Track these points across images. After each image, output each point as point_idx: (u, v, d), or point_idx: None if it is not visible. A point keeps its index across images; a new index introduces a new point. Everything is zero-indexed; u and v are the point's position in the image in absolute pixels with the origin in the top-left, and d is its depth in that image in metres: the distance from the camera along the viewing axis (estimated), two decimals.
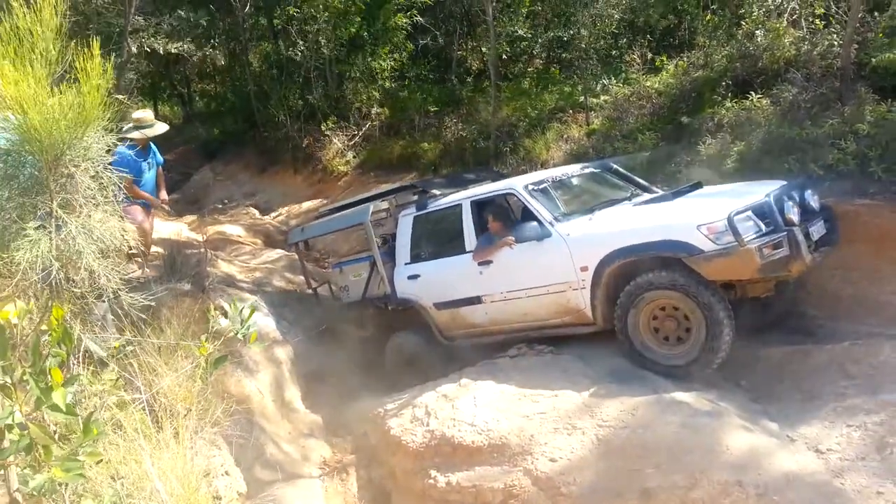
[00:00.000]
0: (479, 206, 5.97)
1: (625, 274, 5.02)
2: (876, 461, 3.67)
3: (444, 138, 11.58)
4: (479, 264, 5.79)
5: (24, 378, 2.33)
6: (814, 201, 5.22)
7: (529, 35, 12.75)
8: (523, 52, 13.17)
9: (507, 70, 13.08)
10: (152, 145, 6.62)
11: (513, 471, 4.44)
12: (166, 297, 5.76)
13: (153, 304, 3.27)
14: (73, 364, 3.17)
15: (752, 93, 7.55)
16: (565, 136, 9.82)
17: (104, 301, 2.94)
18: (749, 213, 4.65)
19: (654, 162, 7.71)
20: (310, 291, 7.60)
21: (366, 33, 13.83)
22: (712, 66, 8.56)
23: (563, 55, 12.56)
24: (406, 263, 6.41)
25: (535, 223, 5.45)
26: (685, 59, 9.29)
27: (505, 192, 5.96)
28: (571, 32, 11.11)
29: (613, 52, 11.29)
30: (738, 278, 4.73)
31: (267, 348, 6.18)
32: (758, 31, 8.32)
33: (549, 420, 4.61)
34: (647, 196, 5.89)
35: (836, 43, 7.35)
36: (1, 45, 2.37)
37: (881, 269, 5.54)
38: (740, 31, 8.58)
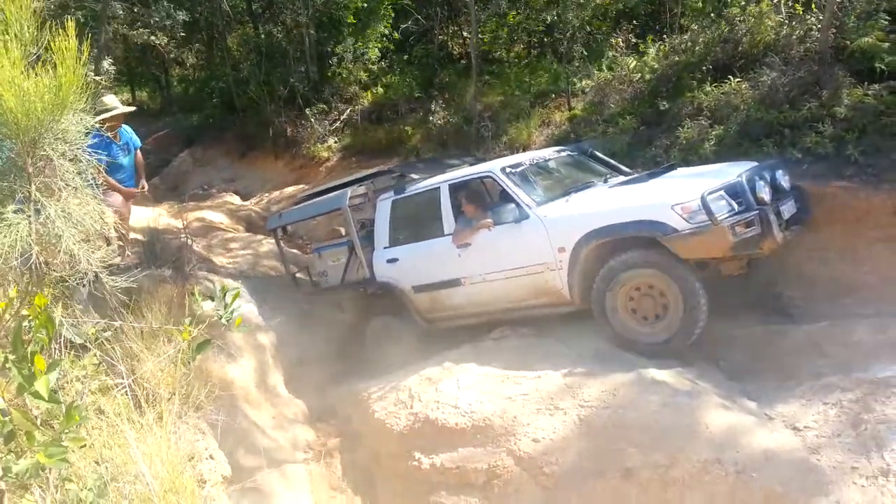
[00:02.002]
0: (457, 190, 5.99)
1: (601, 254, 5.09)
2: (851, 437, 3.75)
3: (427, 123, 11.54)
4: (458, 247, 5.82)
5: (7, 365, 2.32)
6: (785, 181, 5.34)
7: (512, 19, 12.72)
8: (506, 37, 13.12)
9: (489, 54, 13.04)
10: (127, 129, 6.47)
11: (496, 451, 4.49)
12: (147, 282, 5.72)
13: (134, 285, 3.24)
14: (55, 349, 3.14)
15: (731, 77, 7.60)
16: (547, 120, 9.83)
17: (85, 286, 2.91)
18: (722, 192, 4.76)
19: (634, 146, 7.75)
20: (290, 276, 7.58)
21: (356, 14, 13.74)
22: (694, 49, 8.59)
23: (546, 39, 12.54)
24: (385, 247, 6.42)
25: (512, 205, 5.52)
26: (667, 43, 9.31)
27: (483, 175, 5.99)
28: (555, 15, 11.06)
29: (598, 35, 11.29)
30: (711, 256, 4.83)
31: (249, 333, 6.16)
32: (739, 16, 8.36)
33: (532, 401, 4.66)
34: (622, 178, 5.97)
35: (814, 27, 7.41)
36: None
37: (857, 250, 5.64)
38: (724, 16, 8.61)
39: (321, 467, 5.32)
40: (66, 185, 2.62)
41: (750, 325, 5.30)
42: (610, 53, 10.59)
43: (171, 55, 14.95)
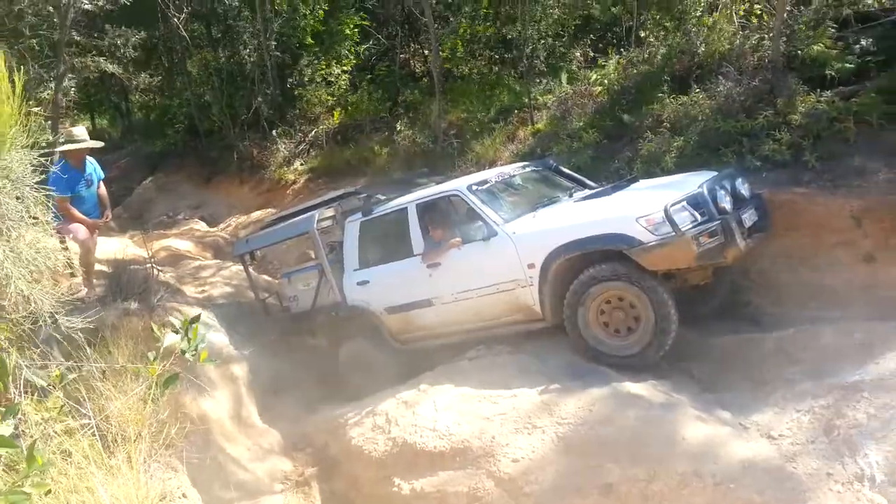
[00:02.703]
0: (425, 209, 5.99)
1: (570, 269, 5.12)
2: (824, 443, 3.80)
3: (394, 142, 11.54)
4: (428, 267, 5.80)
5: None
6: (745, 190, 5.44)
7: (463, 31, 12.80)
8: (466, 54, 13.22)
9: (452, 71, 13.11)
10: (92, 161, 6.38)
11: (476, 473, 4.45)
12: (113, 317, 5.59)
13: (92, 325, 3.15)
14: (14, 393, 3.04)
15: (690, 88, 7.73)
16: (512, 136, 9.89)
17: (41, 326, 2.82)
18: (684, 203, 4.85)
19: (598, 159, 7.82)
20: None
21: (318, 36, 13.78)
22: (653, 61, 8.73)
23: (507, 55, 12.65)
24: (354, 269, 6.37)
25: (480, 223, 5.55)
26: (625, 56, 9.46)
27: (449, 193, 5.99)
28: (517, 31, 11.19)
29: (556, 50, 11.42)
30: (677, 267, 4.88)
31: (221, 364, 6.04)
32: (695, 28, 8.53)
33: (510, 420, 4.64)
34: (587, 192, 6.03)
35: (766, 36, 7.58)
36: None
37: (819, 254, 5.74)
38: (681, 28, 8.77)
39: (299, 498, 5.22)
40: (16, 223, 2.53)
41: (721, 335, 5.35)
42: (570, 68, 10.73)
43: (132, 81, 14.70)
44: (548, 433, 4.42)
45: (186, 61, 16.02)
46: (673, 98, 7.81)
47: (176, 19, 14.00)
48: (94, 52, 13.01)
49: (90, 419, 3.32)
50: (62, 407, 3.34)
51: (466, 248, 5.59)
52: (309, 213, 6.72)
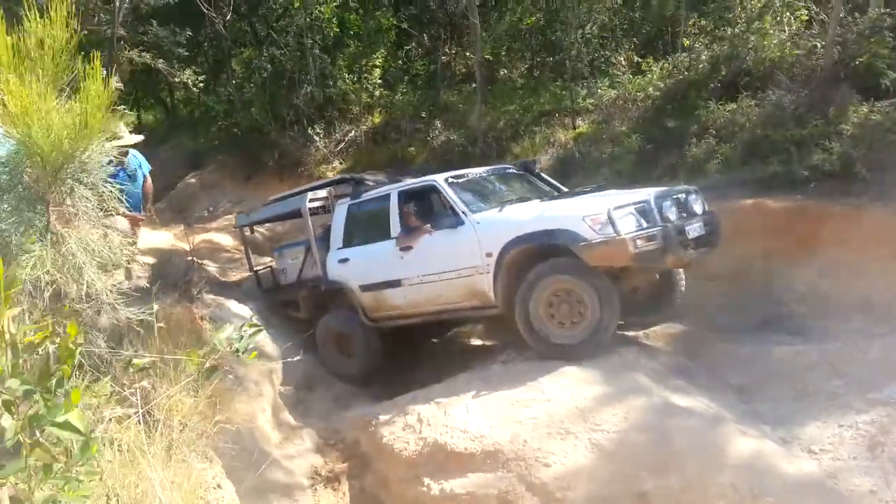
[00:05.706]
0: (405, 197, 6.42)
1: (523, 261, 5.43)
2: (867, 460, 3.71)
3: (432, 143, 11.57)
4: (401, 249, 6.20)
5: (36, 399, 2.29)
6: (696, 205, 5.65)
7: (513, 37, 12.77)
8: (510, 57, 13.20)
9: (494, 73, 13.10)
10: (137, 155, 6.52)
11: (507, 476, 4.42)
12: (156, 308, 5.70)
13: (150, 316, 3.24)
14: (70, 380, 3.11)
15: (737, 95, 7.61)
16: (552, 139, 9.85)
17: (99, 315, 2.91)
18: (631, 209, 5.14)
19: (641, 164, 7.75)
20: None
21: (354, 33, 13.92)
22: (697, 68, 8.62)
23: (549, 59, 12.60)
24: (338, 248, 6.81)
25: (451, 212, 5.95)
26: (670, 62, 9.34)
27: (428, 183, 6.37)
28: (558, 35, 11.13)
29: (599, 54, 11.33)
30: (614, 265, 5.16)
31: (256, 359, 6.12)
32: (743, 34, 8.39)
33: (542, 425, 4.60)
34: (555, 195, 6.40)
35: (818, 44, 7.43)
36: (7, 58, 2.36)
37: (868, 267, 5.61)
38: (727, 34, 8.63)
39: (329, 493, 5.26)
40: (86, 214, 2.63)
41: (762, 345, 5.26)
42: (614, 72, 10.64)
43: (175, 78, 15.00)
44: (581, 439, 4.38)
45: (231, 59, 16.28)
46: (720, 105, 7.69)
47: (219, 19, 14.22)
48: (139, 48, 13.33)
49: (138, 407, 3.40)
50: (111, 394, 3.43)
51: (436, 234, 5.97)
52: (303, 194, 7.23)
